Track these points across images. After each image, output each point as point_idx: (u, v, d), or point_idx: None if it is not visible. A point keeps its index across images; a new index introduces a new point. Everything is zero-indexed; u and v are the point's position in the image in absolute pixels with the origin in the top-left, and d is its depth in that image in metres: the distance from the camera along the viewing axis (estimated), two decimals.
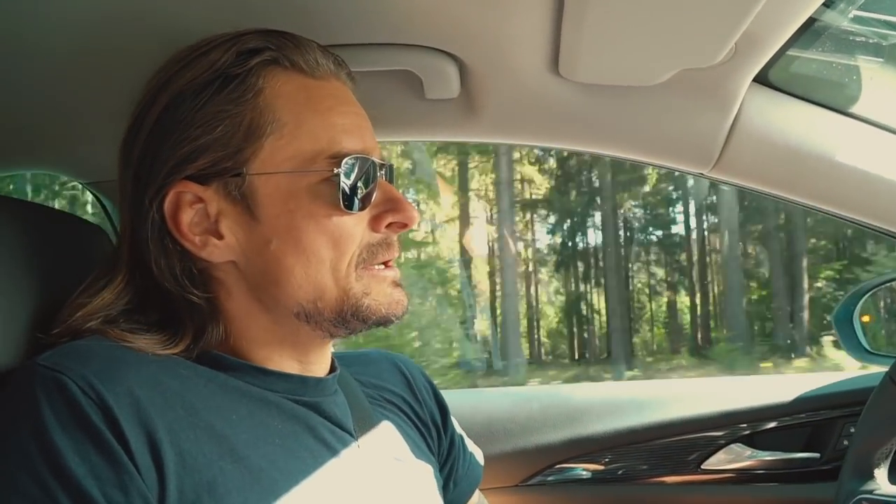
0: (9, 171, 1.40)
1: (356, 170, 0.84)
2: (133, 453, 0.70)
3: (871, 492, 1.19)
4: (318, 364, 0.93)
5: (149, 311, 0.86)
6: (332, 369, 0.96)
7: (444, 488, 1.11)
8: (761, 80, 1.14)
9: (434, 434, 1.10)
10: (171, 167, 0.83)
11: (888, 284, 1.63)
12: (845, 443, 1.56)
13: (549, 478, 1.60)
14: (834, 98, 1.17)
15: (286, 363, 0.89)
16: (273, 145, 0.83)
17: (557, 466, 1.59)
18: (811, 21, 1.03)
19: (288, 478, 0.80)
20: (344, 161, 0.83)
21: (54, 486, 0.67)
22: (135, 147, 0.86)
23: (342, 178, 0.83)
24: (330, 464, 0.85)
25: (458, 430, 1.17)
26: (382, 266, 0.89)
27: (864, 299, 1.56)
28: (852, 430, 1.56)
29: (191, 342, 0.84)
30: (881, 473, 1.21)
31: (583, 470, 1.60)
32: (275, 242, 0.83)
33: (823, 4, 0.98)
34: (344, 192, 0.83)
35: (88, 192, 1.45)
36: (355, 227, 0.86)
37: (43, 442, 0.68)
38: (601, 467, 1.60)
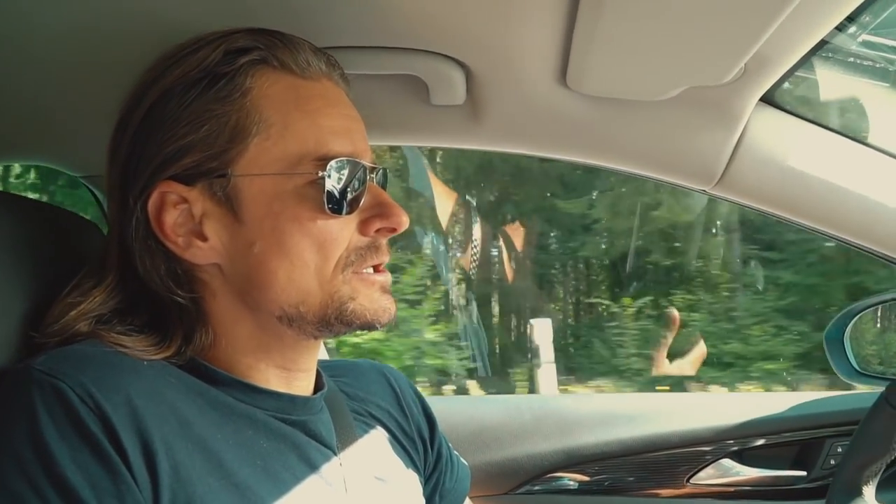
0: (3, 161, 1.39)
1: (344, 173, 0.83)
2: (130, 463, 0.69)
3: None
4: (305, 374, 0.91)
5: (140, 311, 0.85)
6: (319, 383, 0.95)
7: (430, 501, 1.10)
8: (768, 100, 1.15)
9: (420, 448, 1.09)
10: (155, 166, 0.82)
11: (881, 305, 1.63)
12: (832, 462, 1.57)
13: (538, 487, 1.60)
14: (839, 121, 1.17)
15: (272, 372, 0.87)
16: (259, 146, 0.82)
17: (546, 476, 1.60)
18: (821, 43, 1.02)
19: (271, 498, 0.79)
20: (331, 164, 0.82)
21: (50, 495, 0.66)
22: (122, 144, 0.84)
23: (328, 181, 0.81)
24: (313, 484, 0.84)
25: (447, 442, 1.16)
26: (372, 270, 0.88)
27: (854, 320, 1.56)
28: (839, 449, 1.57)
29: (181, 344, 0.83)
30: (869, 491, 1.22)
31: (571, 480, 1.60)
32: (258, 245, 0.82)
33: (834, 28, 0.98)
34: (330, 195, 0.82)
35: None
36: (341, 230, 0.84)
37: (40, 450, 0.67)
38: (589, 478, 1.60)
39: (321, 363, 0.97)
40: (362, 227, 0.86)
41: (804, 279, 5.36)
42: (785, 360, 5.10)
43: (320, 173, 0.81)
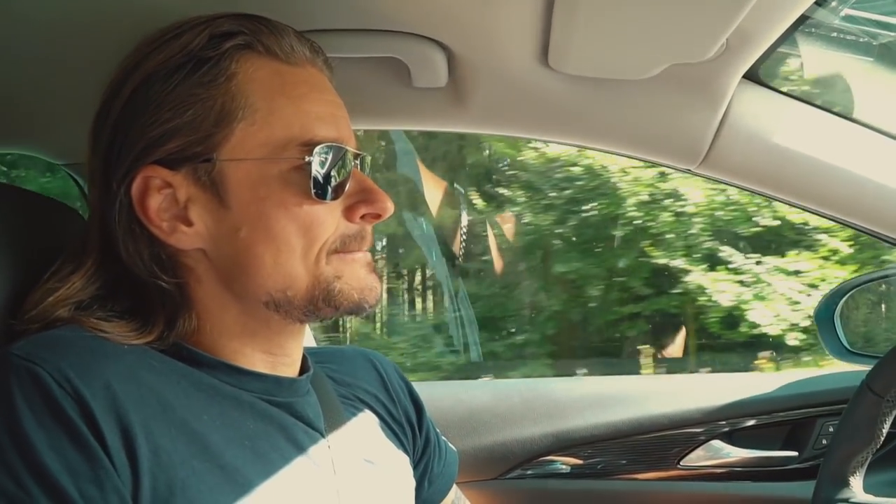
0: None
1: (329, 158, 0.83)
2: (109, 448, 0.69)
3: (846, 500, 1.19)
4: (290, 359, 0.91)
5: (121, 297, 0.84)
6: (304, 367, 0.94)
7: (419, 486, 1.10)
8: (751, 76, 1.14)
9: (408, 433, 1.09)
10: (139, 150, 0.81)
11: (871, 283, 1.64)
12: (824, 441, 1.57)
13: (529, 471, 1.59)
14: (823, 97, 1.17)
15: (257, 357, 0.87)
16: (244, 131, 0.81)
17: (537, 460, 1.59)
18: (803, 18, 1.02)
19: (259, 479, 0.79)
20: (316, 149, 0.82)
21: (28, 481, 0.66)
22: (104, 129, 0.84)
23: (314, 166, 0.81)
24: (301, 465, 0.84)
25: (434, 427, 1.16)
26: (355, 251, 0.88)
27: (845, 298, 1.56)
28: (831, 429, 1.57)
29: (164, 329, 0.83)
30: (856, 481, 1.21)
31: (562, 464, 1.60)
32: (244, 230, 0.82)
33: (815, 3, 0.97)
34: (315, 180, 0.81)
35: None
36: (327, 216, 0.84)
37: (17, 435, 0.67)
38: (581, 461, 1.60)
39: (307, 350, 0.97)
40: (348, 214, 0.86)
41: (484, 290, 5.49)
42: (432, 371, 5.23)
43: (306, 158, 0.81)
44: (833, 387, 1.62)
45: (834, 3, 1.05)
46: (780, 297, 4.37)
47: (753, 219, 4.49)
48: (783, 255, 4.45)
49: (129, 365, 0.76)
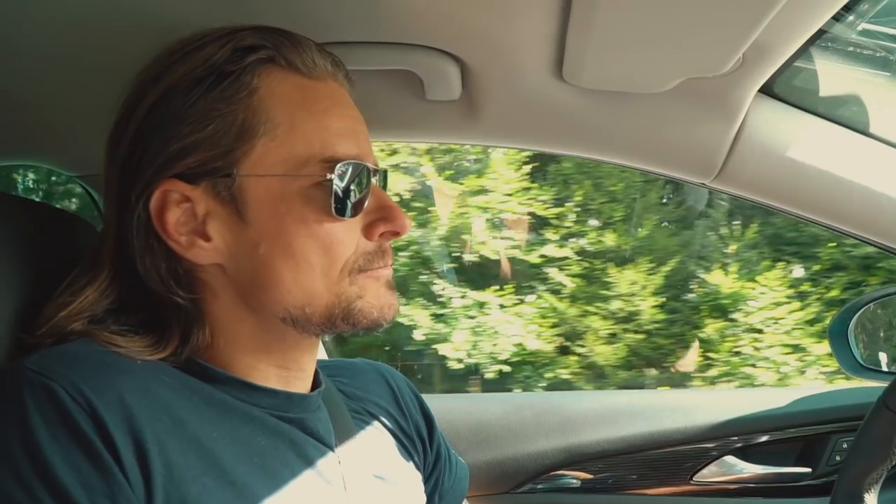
0: None
1: (349, 175, 0.82)
2: (122, 462, 0.69)
3: None
4: (304, 373, 0.91)
5: (134, 310, 0.84)
6: (316, 382, 0.94)
7: (430, 501, 1.09)
8: (767, 90, 1.13)
9: (419, 448, 1.08)
10: (158, 164, 0.80)
11: (886, 298, 1.62)
12: (837, 458, 1.56)
13: (540, 486, 1.59)
14: (839, 112, 1.16)
15: (272, 372, 0.87)
16: (265, 146, 0.81)
17: (548, 474, 1.58)
18: (819, 33, 1.01)
19: (269, 496, 0.78)
20: (337, 166, 0.81)
21: (42, 495, 0.66)
22: (122, 141, 0.83)
23: (335, 183, 0.81)
24: (311, 482, 0.84)
25: (445, 442, 1.15)
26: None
27: (860, 313, 1.54)
28: (844, 445, 1.56)
29: (178, 345, 0.82)
30: (871, 498, 1.20)
31: (573, 479, 1.59)
32: (263, 246, 0.81)
33: (832, 18, 0.96)
34: (336, 197, 0.81)
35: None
36: (346, 233, 0.83)
37: (31, 450, 0.67)
38: (592, 476, 1.59)
39: (318, 363, 0.96)
40: (367, 231, 0.85)
41: None
42: None
43: (328, 175, 0.81)
44: (846, 403, 1.61)
45: (851, 18, 1.04)
46: (489, 331, 4.32)
47: (453, 254, 4.45)
48: (485, 289, 4.39)
49: (142, 380, 0.76)
